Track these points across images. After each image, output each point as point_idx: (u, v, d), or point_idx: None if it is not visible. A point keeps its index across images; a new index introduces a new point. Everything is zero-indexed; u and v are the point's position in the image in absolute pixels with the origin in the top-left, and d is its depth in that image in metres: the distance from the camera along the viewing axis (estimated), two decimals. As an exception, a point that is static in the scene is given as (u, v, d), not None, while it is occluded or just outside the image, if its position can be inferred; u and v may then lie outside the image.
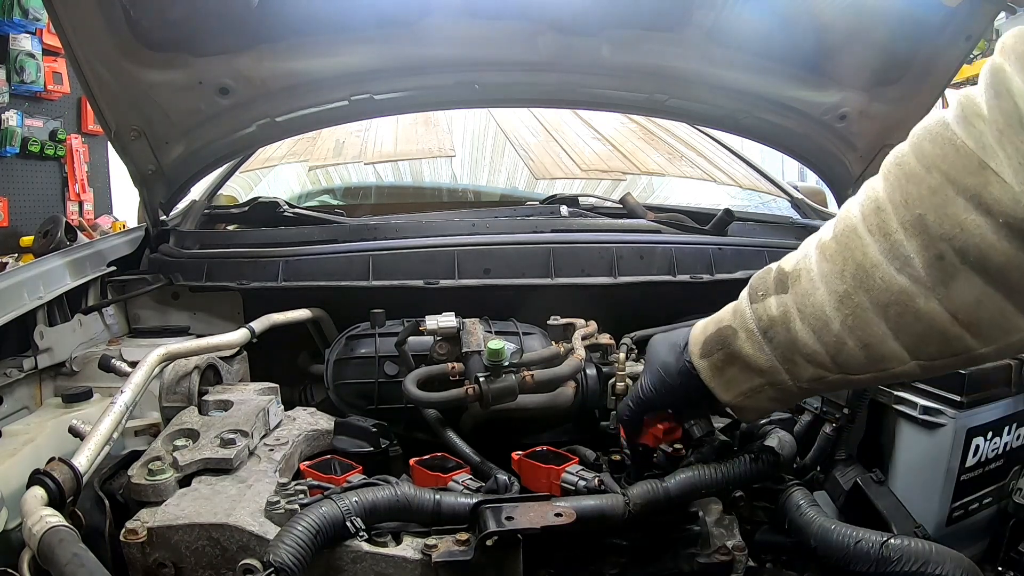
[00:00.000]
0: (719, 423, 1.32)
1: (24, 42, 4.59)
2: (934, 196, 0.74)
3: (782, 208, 2.45)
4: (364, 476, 1.09)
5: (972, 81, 0.76)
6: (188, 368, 1.28)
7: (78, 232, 3.01)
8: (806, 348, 0.87)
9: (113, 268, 1.73)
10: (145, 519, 0.92)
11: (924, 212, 0.75)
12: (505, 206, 2.30)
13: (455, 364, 1.34)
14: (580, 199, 2.24)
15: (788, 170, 5.59)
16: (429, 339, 1.39)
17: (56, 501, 0.89)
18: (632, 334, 1.48)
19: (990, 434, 1.17)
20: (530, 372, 1.30)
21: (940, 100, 1.89)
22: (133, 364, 1.27)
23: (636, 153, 2.73)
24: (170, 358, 1.27)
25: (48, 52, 4.72)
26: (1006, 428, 1.19)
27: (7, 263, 4.07)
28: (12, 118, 4.63)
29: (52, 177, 5.10)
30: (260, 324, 1.47)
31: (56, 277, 1.55)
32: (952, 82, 1.83)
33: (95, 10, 1.46)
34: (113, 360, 1.36)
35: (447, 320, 1.38)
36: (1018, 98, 0.68)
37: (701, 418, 1.09)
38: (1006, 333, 0.76)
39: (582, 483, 1.10)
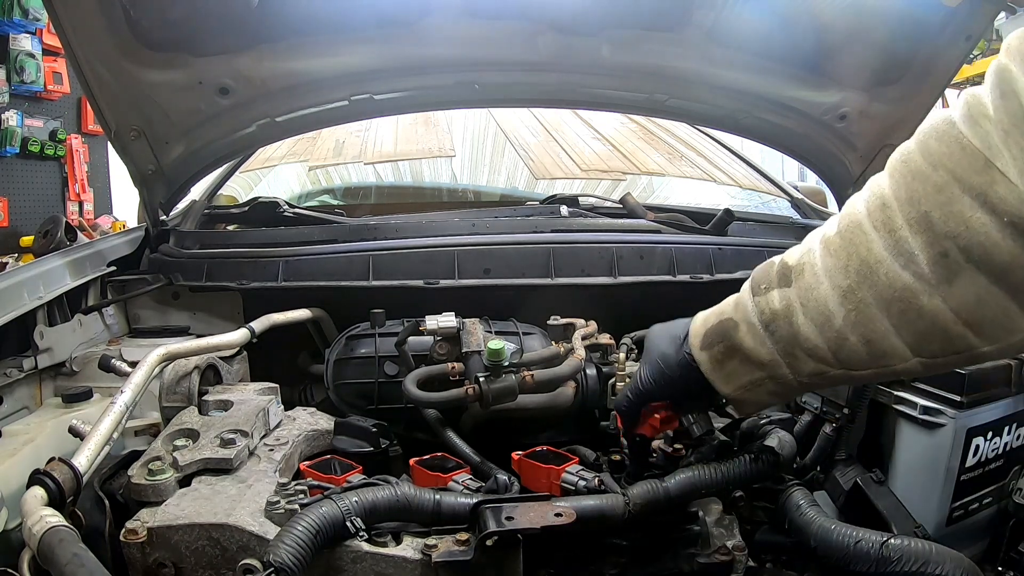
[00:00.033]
0: (719, 423, 1.32)
1: (24, 42, 4.59)
2: (940, 194, 0.74)
3: (782, 208, 2.45)
4: (364, 476, 1.09)
5: (972, 81, 0.77)
6: (188, 368, 1.28)
7: (78, 232, 3.01)
8: (808, 342, 0.86)
9: (113, 268, 1.73)
10: (145, 519, 0.92)
11: (929, 209, 0.75)
12: (505, 206, 2.30)
13: (455, 364, 1.34)
14: (580, 199, 2.24)
15: (788, 170, 5.59)
16: (429, 339, 1.39)
17: (56, 501, 0.89)
18: (632, 334, 1.47)
19: (990, 434, 1.17)
20: (530, 372, 1.30)
21: (940, 100, 1.89)
22: (133, 364, 1.27)
23: (636, 153, 2.73)
24: (170, 358, 1.27)
25: (48, 52, 4.72)
26: (1006, 428, 1.19)
27: (7, 263, 4.07)
28: (12, 118, 4.63)
29: (52, 177, 5.10)
30: (260, 324, 1.47)
31: (56, 277, 1.55)
32: (952, 82, 1.83)
33: (95, 10, 1.46)
34: (113, 360, 1.36)
35: (447, 320, 1.38)
36: None
37: (700, 411, 1.09)
38: (1009, 333, 0.76)
39: (582, 483, 1.10)
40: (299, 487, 1.00)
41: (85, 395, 1.38)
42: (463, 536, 0.93)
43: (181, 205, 2.09)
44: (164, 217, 1.90)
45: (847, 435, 1.26)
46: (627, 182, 2.57)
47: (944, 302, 0.76)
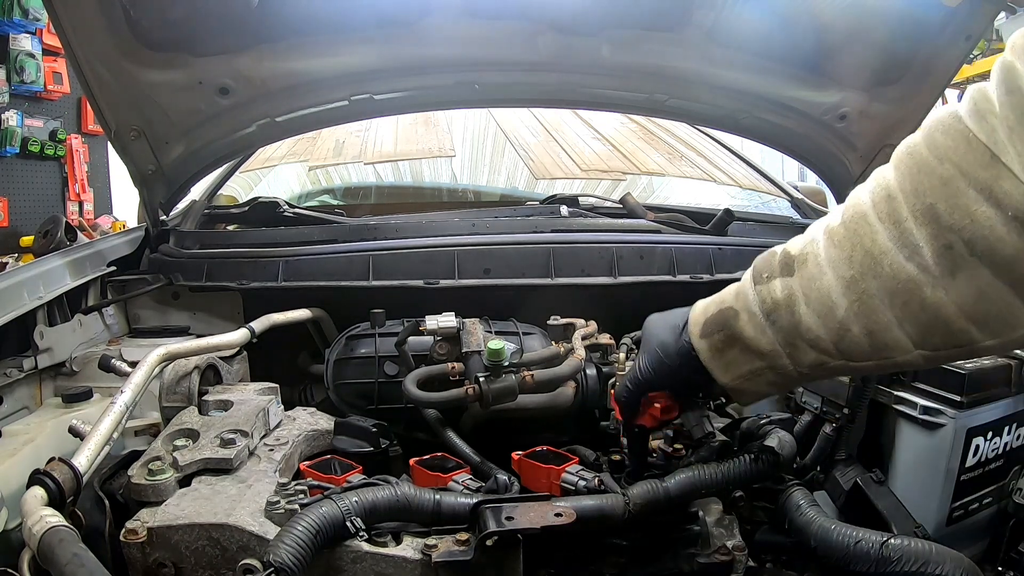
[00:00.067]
0: (719, 423, 1.33)
1: (24, 42, 4.59)
2: (945, 187, 0.74)
3: (782, 208, 2.45)
4: (364, 476, 1.09)
5: (972, 81, 0.77)
6: (188, 368, 1.28)
7: (78, 232, 3.02)
8: (810, 333, 0.86)
9: (113, 268, 1.73)
10: (145, 519, 0.92)
11: (935, 202, 0.75)
12: (505, 206, 2.30)
13: (455, 364, 1.34)
14: (580, 199, 2.24)
15: (788, 170, 5.59)
16: (429, 339, 1.39)
17: (56, 501, 0.89)
18: (632, 334, 1.47)
19: (990, 434, 1.17)
20: (530, 372, 1.30)
21: (940, 100, 1.89)
22: (133, 364, 1.27)
23: (636, 153, 2.73)
24: (170, 358, 1.27)
25: (48, 52, 4.72)
26: (1006, 428, 1.19)
27: (7, 263, 4.07)
28: (12, 118, 4.63)
29: (52, 177, 5.10)
30: (260, 324, 1.47)
31: (56, 277, 1.55)
32: (952, 82, 1.83)
33: (95, 10, 1.46)
34: (113, 360, 1.36)
35: (447, 320, 1.38)
36: None
37: (699, 400, 1.08)
38: (1011, 328, 0.76)
39: (582, 483, 1.10)
40: (299, 487, 1.00)
41: (85, 395, 1.38)
42: (463, 536, 0.93)
43: (181, 205, 2.09)
44: (164, 217, 1.90)
45: (847, 435, 1.26)
46: (627, 182, 2.57)
47: (947, 295, 0.76)
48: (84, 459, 0.98)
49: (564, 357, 1.38)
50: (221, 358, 1.38)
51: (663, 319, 1.05)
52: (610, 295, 1.65)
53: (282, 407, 1.30)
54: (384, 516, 0.96)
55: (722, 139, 2.81)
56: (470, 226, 1.84)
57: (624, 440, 1.26)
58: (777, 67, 1.83)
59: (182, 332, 1.69)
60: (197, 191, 2.20)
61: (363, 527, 0.91)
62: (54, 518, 0.84)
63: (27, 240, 4.37)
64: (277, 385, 1.35)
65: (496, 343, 1.27)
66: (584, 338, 1.43)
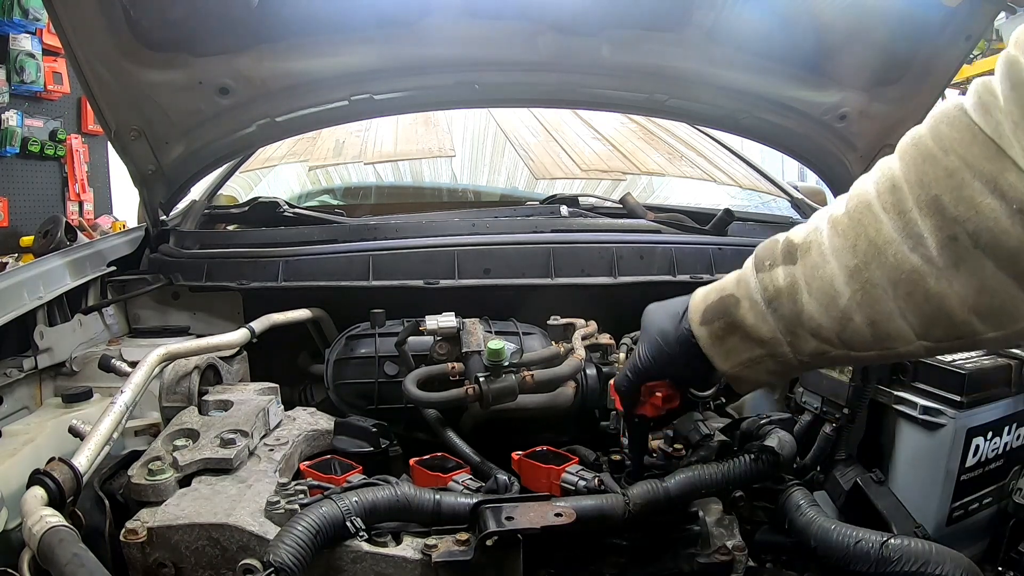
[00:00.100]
0: (719, 423, 1.33)
1: (24, 42, 4.59)
2: (951, 178, 0.74)
3: (782, 208, 2.45)
4: (364, 476, 1.09)
5: (972, 81, 0.77)
6: (188, 368, 1.28)
7: (78, 232, 3.01)
8: (812, 321, 0.86)
9: (113, 268, 1.73)
10: (145, 519, 0.92)
11: (940, 193, 0.75)
12: (505, 206, 2.30)
13: (455, 364, 1.34)
14: (580, 199, 2.24)
15: (788, 170, 5.59)
16: (429, 339, 1.39)
17: (56, 501, 0.89)
18: (632, 334, 1.47)
19: (990, 434, 1.17)
20: (530, 372, 1.30)
21: (940, 100, 1.89)
22: (133, 364, 1.27)
23: (636, 153, 2.73)
24: (170, 358, 1.27)
25: (48, 52, 4.72)
26: (1006, 428, 1.19)
27: (7, 263, 4.07)
28: (12, 118, 4.63)
29: (52, 177, 5.10)
30: (260, 324, 1.47)
31: (56, 277, 1.55)
32: (952, 82, 1.83)
33: (95, 10, 1.46)
34: (113, 360, 1.36)
35: (447, 320, 1.38)
36: None
37: (699, 389, 1.08)
38: (1014, 320, 0.76)
39: (582, 483, 1.10)
40: (299, 487, 1.00)
41: (85, 395, 1.38)
42: (463, 536, 0.93)
43: (181, 205, 2.09)
44: (164, 217, 1.90)
45: (847, 435, 1.26)
46: (627, 182, 2.57)
47: (951, 286, 0.76)
48: (84, 459, 0.98)
49: (564, 357, 1.38)
50: (221, 358, 1.39)
51: (663, 307, 1.05)
52: (610, 295, 1.65)
53: (282, 407, 1.30)
54: (384, 516, 0.96)
55: (722, 139, 2.81)
56: (470, 226, 1.84)
57: (624, 440, 1.26)
58: (777, 67, 1.83)
59: (182, 332, 1.69)
60: (197, 191, 2.20)
61: (363, 527, 0.91)
62: (54, 518, 0.84)
63: (27, 240, 4.37)
64: (277, 385, 1.35)
65: (496, 343, 1.27)
66: (584, 338, 1.43)
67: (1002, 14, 1.91)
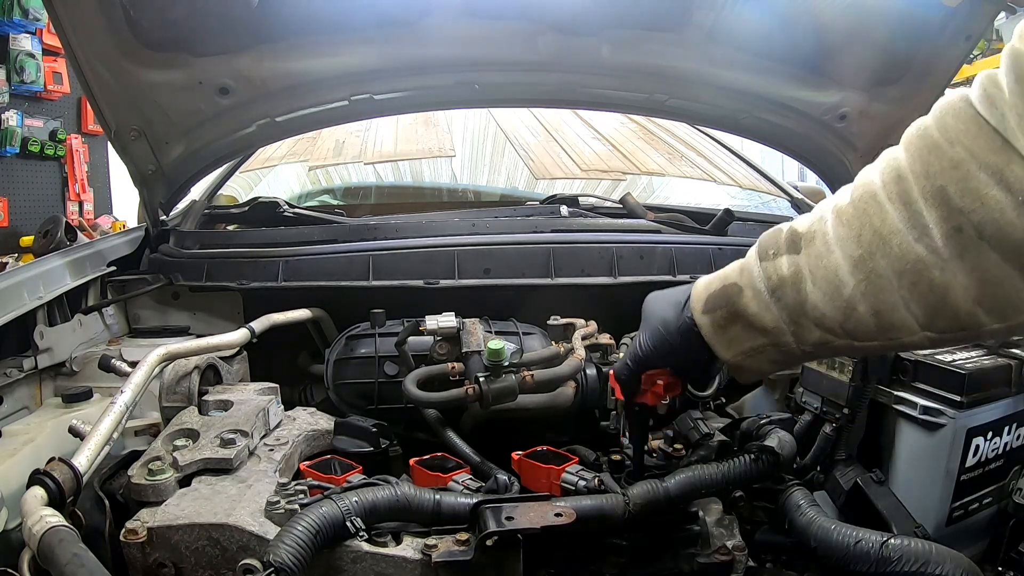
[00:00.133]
0: (719, 423, 1.33)
1: (24, 42, 4.59)
2: (956, 169, 0.74)
3: (782, 208, 2.45)
4: (364, 476, 1.09)
5: (971, 81, 0.77)
6: (188, 368, 1.28)
7: (78, 232, 3.02)
8: (816, 311, 0.86)
9: (113, 268, 1.73)
10: (145, 519, 0.93)
11: (945, 184, 0.75)
12: (505, 206, 2.30)
13: (455, 364, 1.34)
14: (580, 199, 2.24)
15: (788, 170, 5.59)
16: (429, 339, 1.39)
17: (56, 501, 0.89)
18: (632, 334, 1.47)
19: (990, 434, 1.17)
20: (530, 372, 1.30)
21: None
22: (133, 364, 1.27)
23: (636, 153, 2.73)
24: (170, 358, 1.27)
25: (48, 52, 4.72)
26: (1006, 428, 1.19)
27: (7, 263, 4.07)
28: (12, 118, 4.63)
29: (52, 177, 5.10)
30: (260, 324, 1.47)
31: (56, 277, 1.55)
32: (952, 82, 1.83)
33: (95, 10, 1.46)
34: (113, 360, 1.36)
35: (447, 320, 1.38)
36: None
37: (700, 378, 1.07)
38: (1018, 312, 0.76)
39: (582, 483, 1.10)
40: (299, 487, 1.00)
41: (85, 395, 1.38)
42: (463, 536, 0.93)
43: (181, 205, 2.09)
44: (164, 217, 1.90)
45: (847, 435, 1.26)
46: (627, 182, 2.57)
47: (955, 277, 0.76)
48: (84, 459, 0.98)
49: (564, 357, 1.38)
50: (221, 358, 1.39)
51: (664, 296, 1.04)
52: (610, 295, 1.65)
53: (282, 407, 1.30)
54: (384, 516, 0.96)
55: (722, 139, 2.81)
56: (470, 226, 1.84)
57: (624, 440, 1.25)
58: (777, 67, 1.83)
59: (182, 332, 1.69)
60: (197, 191, 2.20)
61: (363, 527, 0.91)
62: (54, 518, 0.84)
63: (27, 240, 4.37)
64: (277, 385, 1.35)
65: (496, 343, 1.27)
66: (584, 338, 1.43)
67: (1002, 14, 1.91)
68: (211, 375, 1.36)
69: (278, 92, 1.73)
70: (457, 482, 1.11)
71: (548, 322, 1.49)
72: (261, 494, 0.97)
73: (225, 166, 2.24)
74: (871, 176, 0.83)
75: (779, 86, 1.87)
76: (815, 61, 1.81)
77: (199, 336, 1.45)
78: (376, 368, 1.43)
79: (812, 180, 2.84)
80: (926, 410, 1.16)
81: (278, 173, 2.68)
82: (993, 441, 1.18)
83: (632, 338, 1.46)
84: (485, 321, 1.48)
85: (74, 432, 1.14)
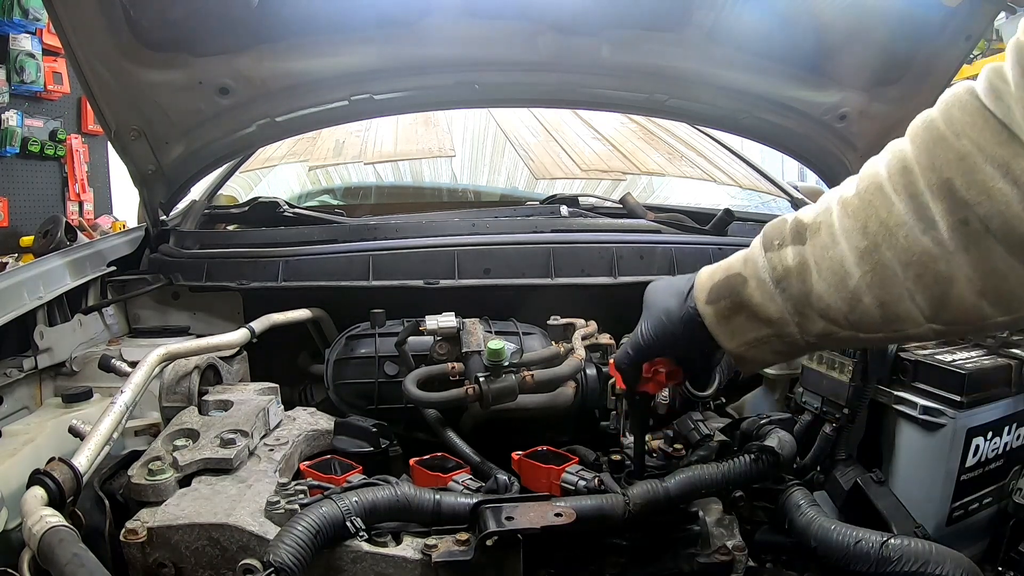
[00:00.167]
0: (719, 423, 1.33)
1: (24, 42, 4.59)
2: (962, 162, 0.74)
3: (782, 208, 2.45)
4: (364, 476, 1.09)
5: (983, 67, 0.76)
6: (188, 368, 1.28)
7: (78, 232, 3.02)
8: (821, 302, 0.85)
9: (113, 268, 1.73)
10: (145, 519, 0.93)
11: (952, 176, 0.75)
12: (505, 206, 2.30)
13: (455, 364, 1.34)
14: (580, 199, 2.24)
15: (788, 170, 5.59)
16: (429, 339, 1.39)
17: (56, 501, 0.89)
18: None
19: (990, 434, 1.17)
20: (530, 372, 1.30)
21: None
22: (133, 364, 1.27)
23: (636, 153, 2.73)
24: (170, 358, 1.27)
25: (48, 52, 4.72)
26: (1006, 428, 1.19)
27: (7, 263, 4.07)
28: (12, 118, 4.63)
29: (52, 177, 5.10)
30: (260, 324, 1.47)
31: (56, 277, 1.55)
32: (952, 82, 1.83)
33: (95, 10, 1.46)
34: (113, 360, 1.36)
35: (447, 320, 1.38)
36: None
37: (701, 368, 1.06)
38: (1023, 305, 0.76)
39: (582, 483, 1.10)
40: (299, 487, 1.00)
41: (85, 395, 1.38)
42: (463, 536, 0.93)
43: (181, 205, 2.09)
44: (164, 217, 1.90)
45: (847, 435, 1.26)
46: (627, 182, 2.57)
47: (961, 270, 0.76)
48: (84, 459, 0.98)
49: (564, 357, 1.38)
50: (221, 358, 1.39)
51: (667, 284, 1.04)
52: (610, 295, 1.64)
53: (282, 407, 1.30)
54: (384, 516, 0.96)
55: (722, 139, 2.81)
56: (470, 226, 1.84)
57: (624, 440, 1.26)
58: (777, 67, 1.83)
59: (182, 332, 1.69)
60: (197, 191, 2.20)
61: (363, 527, 0.91)
62: (54, 518, 0.84)
63: (27, 240, 4.37)
64: (277, 385, 1.36)
65: (496, 343, 1.27)
66: (584, 338, 1.43)
67: (1002, 14, 1.91)
68: (211, 375, 1.36)
69: (278, 92, 1.73)
70: (457, 482, 1.11)
71: (548, 322, 1.49)
72: (261, 494, 0.97)
73: (225, 166, 2.24)
74: (877, 168, 0.83)
75: (779, 86, 1.87)
76: (815, 61, 1.81)
77: (199, 336, 1.45)
78: (376, 368, 1.43)
79: (812, 180, 2.84)
80: (926, 410, 1.16)
81: (278, 173, 2.68)
82: (993, 441, 1.18)
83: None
84: (485, 321, 1.48)
85: (74, 432, 1.14)
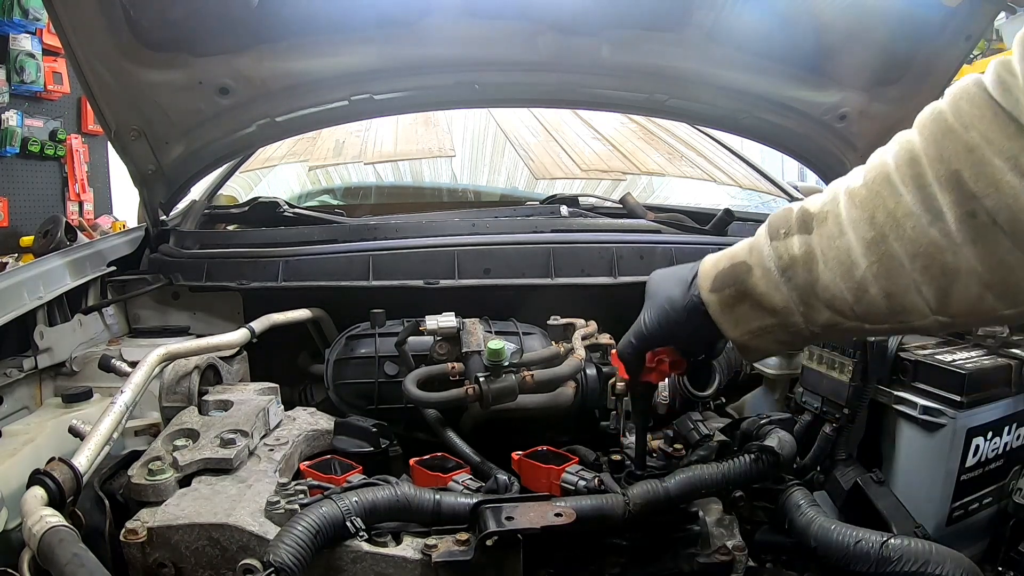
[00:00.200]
0: (719, 423, 1.33)
1: (24, 42, 4.59)
2: (971, 154, 0.74)
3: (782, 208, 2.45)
4: (364, 476, 1.09)
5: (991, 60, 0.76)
6: (188, 368, 1.28)
7: (78, 232, 3.01)
8: (827, 292, 0.85)
9: (113, 268, 1.73)
10: (145, 519, 0.93)
11: (960, 168, 0.75)
12: (505, 206, 2.30)
13: (455, 364, 1.34)
14: (580, 199, 2.24)
15: (788, 170, 5.59)
16: (429, 339, 1.39)
17: (56, 501, 0.89)
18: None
19: (990, 434, 1.17)
20: (530, 372, 1.30)
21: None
22: (133, 364, 1.27)
23: (636, 153, 2.73)
24: (170, 358, 1.27)
25: (48, 52, 4.72)
26: (1006, 428, 1.19)
27: (7, 263, 4.07)
28: (12, 118, 4.63)
29: (52, 177, 5.10)
30: (260, 324, 1.47)
31: (56, 277, 1.55)
32: (952, 82, 1.83)
33: (95, 10, 1.46)
34: (113, 360, 1.36)
35: (447, 320, 1.38)
36: None
37: (704, 356, 1.06)
38: None
39: (582, 483, 1.10)
40: (299, 487, 1.00)
41: (85, 395, 1.38)
42: (463, 536, 0.93)
43: (181, 205, 2.09)
44: (164, 217, 1.90)
45: (847, 435, 1.26)
46: (627, 182, 2.57)
47: (968, 262, 0.76)
48: (84, 459, 0.98)
49: (564, 357, 1.38)
50: (221, 358, 1.38)
51: (671, 273, 1.03)
52: (610, 295, 1.64)
53: (282, 407, 1.30)
54: (384, 516, 0.96)
55: (722, 139, 2.81)
56: (470, 226, 1.84)
57: (624, 440, 1.26)
58: (777, 67, 1.83)
59: (182, 332, 1.69)
60: (197, 191, 2.20)
61: (363, 527, 0.91)
62: (54, 518, 0.84)
63: (27, 240, 4.37)
64: (277, 385, 1.35)
65: (496, 343, 1.27)
66: (584, 338, 1.43)
67: (1002, 14, 1.91)
68: (211, 375, 1.36)
69: (278, 92, 1.73)
70: (457, 482, 1.11)
71: (548, 322, 1.49)
72: (261, 494, 0.97)
73: (225, 166, 2.24)
74: (884, 158, 0.83)
75: (779, 86, 1.87)
76: (815, 61, 1.81)
77: (199, 336, 1.45)
78: (376, 368, 1.43)
79: (812, 180, 2.83)
80: (926, 410, 1.16)
81: (278, 173, 2.68)
82: (993, 441, 1.18)
83: None
84: (485, 321, 1.48)
85: (74, 432, 1.14)
